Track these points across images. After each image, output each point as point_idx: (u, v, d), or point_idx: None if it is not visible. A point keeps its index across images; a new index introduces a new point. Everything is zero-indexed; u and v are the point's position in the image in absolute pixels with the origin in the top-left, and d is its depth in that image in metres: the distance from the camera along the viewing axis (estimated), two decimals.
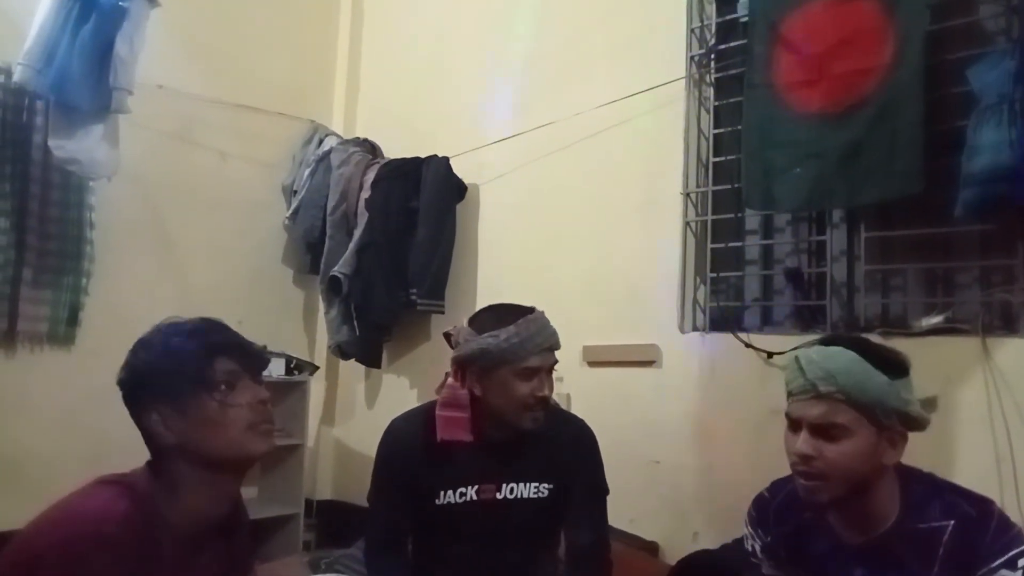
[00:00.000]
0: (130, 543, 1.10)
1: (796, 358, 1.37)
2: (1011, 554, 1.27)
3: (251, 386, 1.25)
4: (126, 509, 1.12)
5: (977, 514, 1.31)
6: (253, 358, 1.28)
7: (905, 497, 1.36)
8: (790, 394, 1.37)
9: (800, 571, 1.45)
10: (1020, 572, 1.25)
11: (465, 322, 1.76)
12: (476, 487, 1.73)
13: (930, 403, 1.43)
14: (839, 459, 1.30)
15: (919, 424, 1.36)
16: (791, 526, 1.46)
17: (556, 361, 1.72)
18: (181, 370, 1.20)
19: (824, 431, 1.31)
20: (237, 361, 1.24)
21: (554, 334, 1.71)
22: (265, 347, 1.34)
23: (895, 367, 1.34)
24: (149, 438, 1.22)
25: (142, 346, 1.24)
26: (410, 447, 1.76)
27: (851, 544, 1.38)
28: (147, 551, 1.12)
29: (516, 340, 1.64)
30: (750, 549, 1.55)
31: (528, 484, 1.75)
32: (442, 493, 1.73)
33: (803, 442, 1.32)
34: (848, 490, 1.33)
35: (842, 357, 1.33)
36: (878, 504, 1.36)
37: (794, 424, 1.36)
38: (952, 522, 1.31)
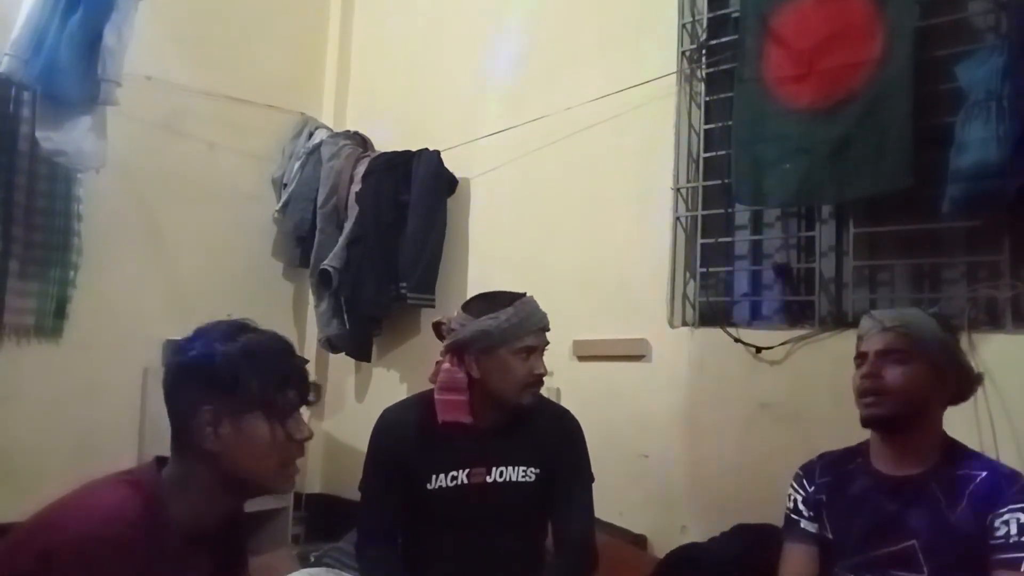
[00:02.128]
0: (141, 545, 1.09)
1: (869, 313, 1.66)
2: None
3: (302, 422, 1.23)
4: (139, 510, 1.12)
5: (1008, 473, 1.51)
6: (310, 394, 1.25)
7: (946, 451, 1.56)
8: (860, 339, 1.62)
9: (836, 511, 1.61)
10: None
11: (455, 312, 1.80)
12: (467, 471, 1.77)
13: (977, 377, 1.68)
14: (897, 379, 1.52)
15: (969, 374, 1.60)
16: (834, 475, 1.65)
17: (548, 342, 1.81)
18: (257, 386, 1.17)
19: (887, 356, 1.54)
20: (299, 393, 1.22)
21: (545, 315, 1.81)
22: (315, 383, 1.31)
23: (947, 325, 1.63)
24: (186, 433, 1.18)
25: (215, 339, 1.19)
26: (403, 433, 1.79)
27: (888, 479, 1.56)
28: (154, 552, 1.12)
29: (515, 320, 1.73)
30: (791, 506, 1.69)
31: (516, 468, 1.79)
32: (434, 477, 1.76)
33: (869, 364, 1.56)
34: (902, 410, 1.52)
35: (906, 308, 1.73)
36: (922, 443, 1.55)
37: (861, 359, 1.59)
38: (984, 473, 1.50)
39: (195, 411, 1.16)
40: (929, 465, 1.53)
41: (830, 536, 1.61)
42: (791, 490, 1.70)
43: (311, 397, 1.26)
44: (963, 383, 1.59)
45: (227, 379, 1.16)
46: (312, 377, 1.27)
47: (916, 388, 1.52)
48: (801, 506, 1.66)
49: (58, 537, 1.07)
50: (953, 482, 1.50)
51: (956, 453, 1.56)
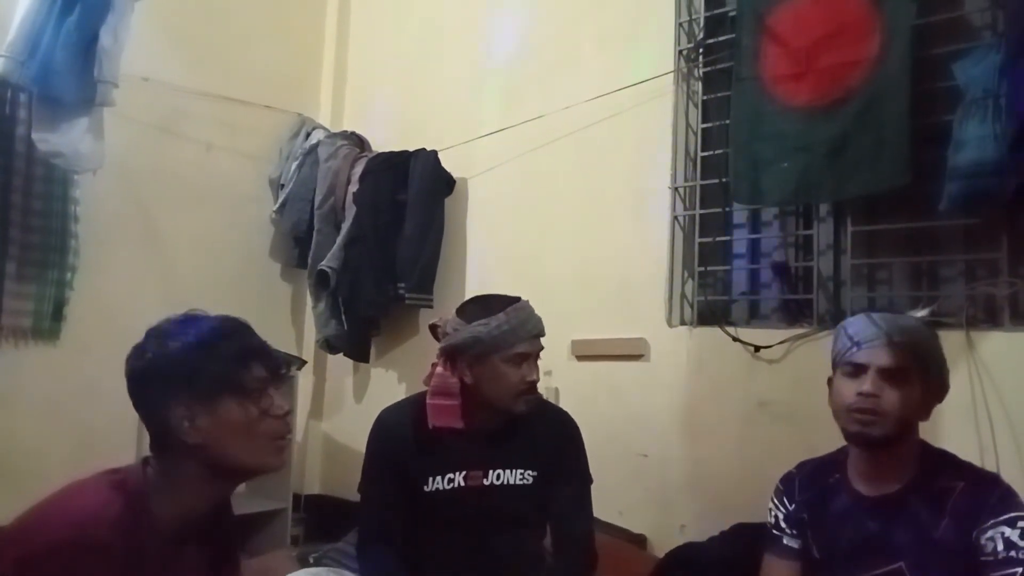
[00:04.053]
0: (120, 547, 1.08)
1: (868, 315, 1.52)
2: (1012, 515, 1.40)
3: (277, 396, 1.23)
4: (119, 511, 1.11)
5: (986, 480, 1.48)
6: (280, 367, 1.26)
7: (923, 461, 1.51)
8: (856, 345, 1.49)
9: (819, 530, 1.58)
10: (1018, 531, 1.38)
11: (451, 314, 1.78)
12: (464, 473, 1.77)
13: None
14: (898, 401, 1.45)
15: (945, 389, 1.53)
16: (815, 491, 1.60)
17: (543, 348, 1.78)
18: (219, 370, 1.17)
19: (890, 375, 1.45)
20: (267, 368, 1.23)
21: (540, 321, 1.77)
22: (290, 356, 1.32)
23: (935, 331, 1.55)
24: (163, 432, 1.18)
25: (167, 336, 1.19)
26: (400, 435, 1.79)
27: (867, 499, 1.52)
28: (137, 552, 1.11)
29: (507, 327, 1.70)
30: (772, 521, 1.66)
31: (514, 470, 1.78)
32: (431, 480, 1.75)
33: (871, 383, 1.46)
34: (895, 432, 1.46)
35: (909, 318, 1.56)
36: (902, 458, 1.50)
37: (857, 369, 1.48)
38: (962, 483, 1.46)
39: (168, 410, 1.16)
40: (907, 480, 1.49)
41: (816, 555, 1.59)
42: (772, 505, 1.67)
43: (283, 370, 1.27)
44: (943, 393, 1.55)
45: (188, 371, 1.17)
46: (283, 351, 1.27)
47: (913, 410, 1.48)
48: (783, 523, 1.64)
49: (33, 544, 1.06)
50: (933, 496, 1.46)
51: (932, 461, 1.52)
